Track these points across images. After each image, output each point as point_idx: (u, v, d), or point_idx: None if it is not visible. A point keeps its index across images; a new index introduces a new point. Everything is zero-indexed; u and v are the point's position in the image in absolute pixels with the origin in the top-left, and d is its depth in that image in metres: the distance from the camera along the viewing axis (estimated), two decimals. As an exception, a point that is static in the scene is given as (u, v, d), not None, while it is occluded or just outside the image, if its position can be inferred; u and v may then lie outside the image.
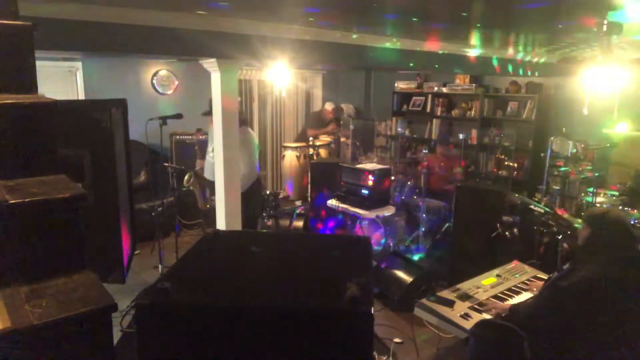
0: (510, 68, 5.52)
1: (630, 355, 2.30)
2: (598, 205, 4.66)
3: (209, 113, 4.19)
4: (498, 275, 3.40)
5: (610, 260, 2.35)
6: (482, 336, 2.16)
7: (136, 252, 3.90)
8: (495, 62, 5.34)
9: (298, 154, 7.20)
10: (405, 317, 3.91)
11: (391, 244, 4.89)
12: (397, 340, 3.62)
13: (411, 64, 4.71)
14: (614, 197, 4.83)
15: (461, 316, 2.79)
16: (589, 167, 5.33)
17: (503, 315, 2.75)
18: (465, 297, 3.03)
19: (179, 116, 4.05)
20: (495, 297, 3.07)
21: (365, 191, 4.43)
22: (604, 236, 2.41)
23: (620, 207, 4.50)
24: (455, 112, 7.17)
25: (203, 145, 5.26)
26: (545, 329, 2.41)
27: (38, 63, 1.40)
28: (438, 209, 5.48)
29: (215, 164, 3.83)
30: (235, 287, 1.64)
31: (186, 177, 5.16)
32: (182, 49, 3.17)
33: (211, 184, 4.58)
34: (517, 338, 1.98)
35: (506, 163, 6.14)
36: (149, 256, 5.00)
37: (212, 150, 4.44)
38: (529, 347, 2.07)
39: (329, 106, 7.64)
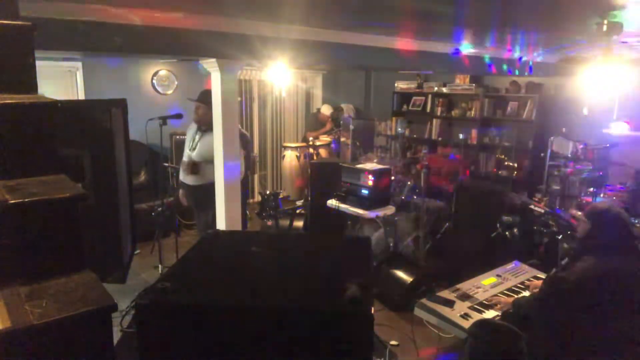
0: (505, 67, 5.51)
1: (629, 349, 2.31)
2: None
3: (199, 100, 4.08)
4: (498, 275, 3.40)
5: (608, 254, 2.37)
6: (479, 336, 2.16)
7: (136, 252, 3.90)
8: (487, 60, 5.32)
9: (298, 154, 7.20)
10: (405, 317, 3.91)
11: (391, 244, 4.88)
12: (393, 342, 3.62)
13: (411, 65, 4.71)
14: (614, 197, 4.83)
15: (461, 316, 2.79)
16: (589, 167, 5.34)
17: (506, 309, 2.76)
18: (465, 297, 3.04)
19: (179, 116, 4.05)
20: (496, 297, 3.07)
21: (365, 191, 4.43)
22: (604, 231, 2.43)
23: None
24: (455, 112, 7.17)
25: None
26: (545, 321, 2.42)
27: (38, 63, 1.40)
28: (438, 209, 5.47)
29: (215, 164, 3.82)
30: (235, 287, 1.64)
31: (181, 193, 4.45)
32: (182, 49, 3.17)
33: (189, 188, 4.27)
34: (515, 338, 1.99)
35: (506, 163, 6.14)
36: (149, 256, 5.00)
37: (192, 149, 4.17)
38: (529, 343, 2.07)
39: (326, 110, 7.62)
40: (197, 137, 4.19)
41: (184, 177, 4.26)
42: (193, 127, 4.27)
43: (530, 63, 5.61)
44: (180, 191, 4.44)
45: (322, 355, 1.45)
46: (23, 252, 1.23)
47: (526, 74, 5.74)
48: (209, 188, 4.01)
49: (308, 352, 1.45)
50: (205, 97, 4.04)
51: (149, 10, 2.88)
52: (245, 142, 4.35)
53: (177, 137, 6.17)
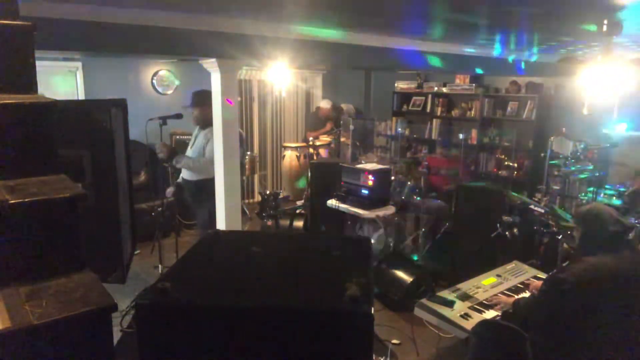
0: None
1: (630, 349, 2.31)
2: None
3: (192, 105, 4.16)
4: (498, 275, 3.40)
5: (605, 253, 2.36)
6: (484, 336, 2.16)
7: (136, 252, 3.89)
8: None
9: (298, 154, 7.20)
10: (405, 317, 3.91)
11: (391, 244, 4.88)
12: (394, 341, 3.62)
13: (412, 65, 4.71)
14: (614, 197, 4.82)
15: (461, 316, 2.79)
16: (589, 167, 5.33)
17: (506, 309, 2.76)
18: (465, 297, 3.04)
19: (179, 116, 4.05)
20: (496, 297, 3.07)
21: (365, 191, 4.43)
22: (595, 232, 2.43)
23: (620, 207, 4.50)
24: (455, 112, 7.17)
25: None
26: (545, 321, 2.42)
27: (38, 63, 1.39)
28: (438, 209, 5.47)
29: (215, 164, 3.83)
30: (235, 287, 1.64)
31: (169, 191, 4.63)
32: (182, 49, 3.17)
33: (188, 185, 4.32)
34: (519, 339, 1.98)
35: (506, 163, 6.14)
36: (149, 256, 5.00)
37: (191, 146, 4.30)
38: (531, 345, 2.06)
39: (326, 104, 7.58)
40: (196, 133, 4.34)
41: (183, 172, 4.37)
42: (196, 126, 4.41)
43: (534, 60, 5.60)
44: (170, 189, 4.60)
45: (322, 356, 1.45)
46: (23, 252, 1.23)
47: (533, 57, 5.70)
48: (205, 184, 4.07)
49: (308, 352, 1.45)
50: (196, 101, 4.15)
51: (149, 10, 2.88)
52: (241, 142, 4.37)
53: (177, 137, 6.17)
